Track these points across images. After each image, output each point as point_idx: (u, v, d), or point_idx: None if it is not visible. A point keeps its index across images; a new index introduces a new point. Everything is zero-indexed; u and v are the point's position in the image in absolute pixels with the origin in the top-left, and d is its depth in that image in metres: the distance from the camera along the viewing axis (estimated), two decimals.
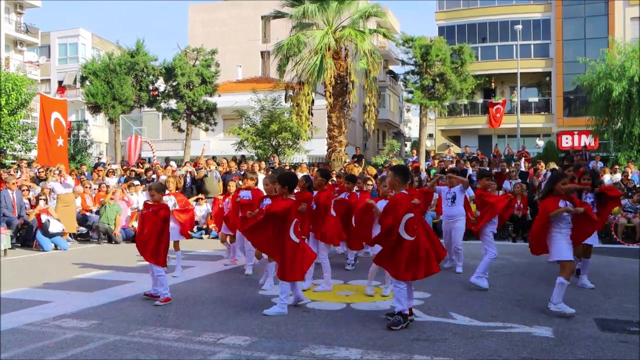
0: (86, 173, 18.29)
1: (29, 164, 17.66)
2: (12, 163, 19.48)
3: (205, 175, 15.75)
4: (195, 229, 13.94)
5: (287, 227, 6.14)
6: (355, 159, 21.01)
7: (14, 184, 12.80)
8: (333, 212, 7.93)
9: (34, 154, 25.11)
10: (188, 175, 16.40)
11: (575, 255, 7.29)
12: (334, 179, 12.40)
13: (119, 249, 12.14)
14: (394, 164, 16.91)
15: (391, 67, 47.14)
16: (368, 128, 23.63)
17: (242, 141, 23.18)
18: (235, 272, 8.93)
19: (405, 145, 51.39)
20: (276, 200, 6.52)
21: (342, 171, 14.78)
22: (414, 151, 27.35)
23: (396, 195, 5.70)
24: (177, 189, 9.40)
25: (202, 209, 14.58)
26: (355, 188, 9.44)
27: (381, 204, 6.49)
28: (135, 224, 13.31)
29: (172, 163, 19.28)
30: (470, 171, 15.65)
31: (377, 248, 6.18)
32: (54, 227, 12.21)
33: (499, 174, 12.06)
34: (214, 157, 19.11)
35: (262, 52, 41.04)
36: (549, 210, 6.10)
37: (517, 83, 31.47)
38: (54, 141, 15.20)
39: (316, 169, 14.85)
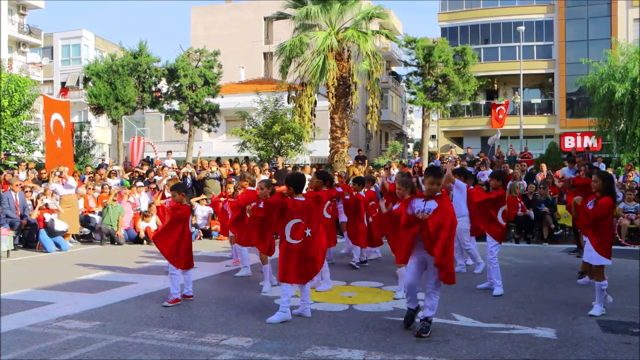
0: (85, 176, 18.12)
1: (37, 166, 17.63)
2: (15, 164, 19.45)
3: (207, 177, 15.74)
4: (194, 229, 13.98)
5: (282, 227, 5.87)
6: (359, 161, 20.99)
7: (17, 185, 12.80)
8: (327, 214, 7.95)
9: (37, 155, 25.14)
10: (188, 176, 16.40)
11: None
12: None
13: (122, 250, 12.15)
14: (394, 165, 16.90)
15: (394, 69, 47.14)
16: (370, 129, 23.68)
17: (245, 142, 23.18)
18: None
19: (408, 147, 51.33)
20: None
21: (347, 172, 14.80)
22: (416, 152, 27.33)
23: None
24: None
25: (203, 210, 14.58)
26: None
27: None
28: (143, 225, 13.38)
29: (167, 162, 18.95)
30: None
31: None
32: (59, 225, 12.25)
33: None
34: (218, 159, 19.05)
35: (264, 54, 41.06)
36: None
37: (519, 84, 31.44)
38: (53, 143, 15.23)
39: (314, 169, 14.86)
